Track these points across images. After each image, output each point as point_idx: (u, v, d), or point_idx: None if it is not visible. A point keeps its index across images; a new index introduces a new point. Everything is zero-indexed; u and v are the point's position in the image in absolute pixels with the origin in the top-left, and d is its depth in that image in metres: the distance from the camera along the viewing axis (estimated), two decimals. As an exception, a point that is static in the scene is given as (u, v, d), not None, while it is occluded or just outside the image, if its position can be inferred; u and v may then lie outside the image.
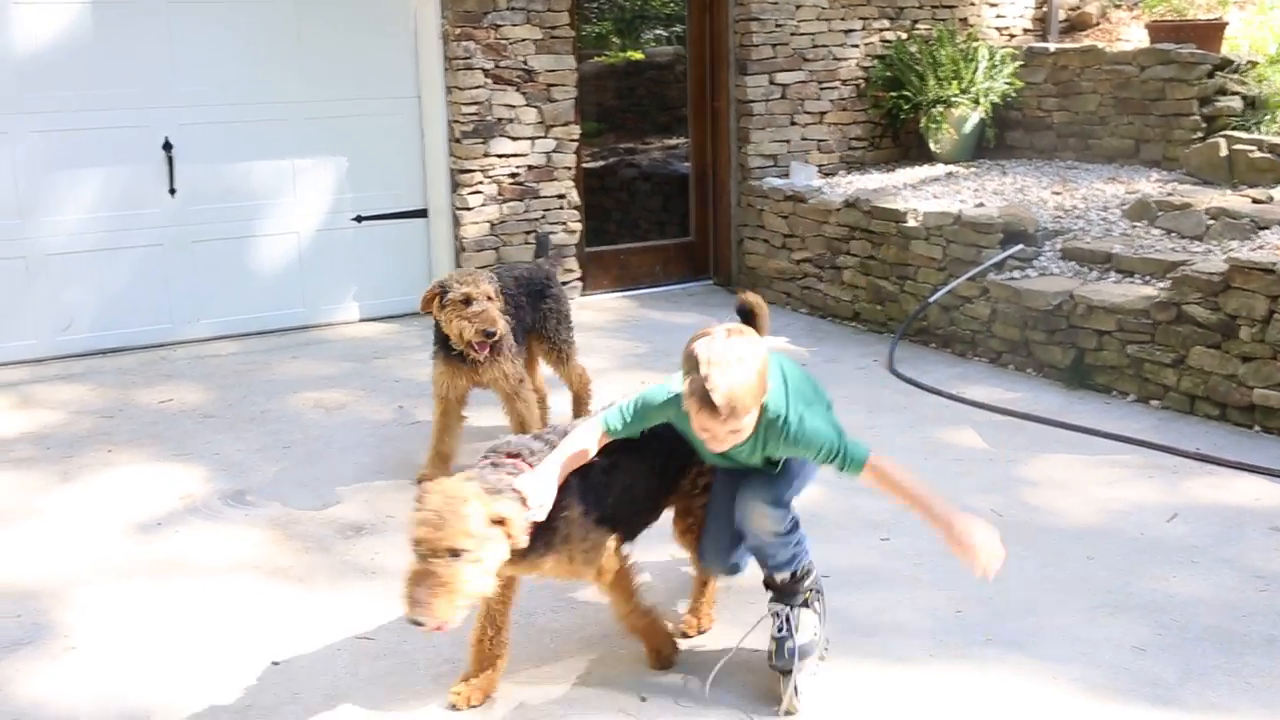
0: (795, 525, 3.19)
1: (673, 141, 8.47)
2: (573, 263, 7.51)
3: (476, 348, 4.39)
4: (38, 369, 6.34)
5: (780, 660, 3.11)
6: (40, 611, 3.71)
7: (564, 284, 7.35)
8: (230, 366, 6.39)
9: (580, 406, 5.15)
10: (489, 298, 4.35)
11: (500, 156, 7.18)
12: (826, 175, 7.96)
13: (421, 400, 5.48)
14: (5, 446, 5.21)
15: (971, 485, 4.54)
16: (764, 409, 2.96)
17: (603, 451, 3.17)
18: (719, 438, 2.89)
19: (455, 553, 2.72)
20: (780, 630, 3.15)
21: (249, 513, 4.46)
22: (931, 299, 6.37)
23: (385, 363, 6.43)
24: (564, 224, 7.41)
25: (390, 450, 5.09)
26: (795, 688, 3.08)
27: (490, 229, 7.21)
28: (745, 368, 2.83)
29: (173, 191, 6.65)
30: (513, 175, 7.22)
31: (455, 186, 7.12)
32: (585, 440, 3.14)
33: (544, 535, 3.03)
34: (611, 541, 3.18)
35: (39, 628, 3.61)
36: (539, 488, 2.98)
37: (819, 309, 7.29)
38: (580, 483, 3.15)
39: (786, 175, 7.87)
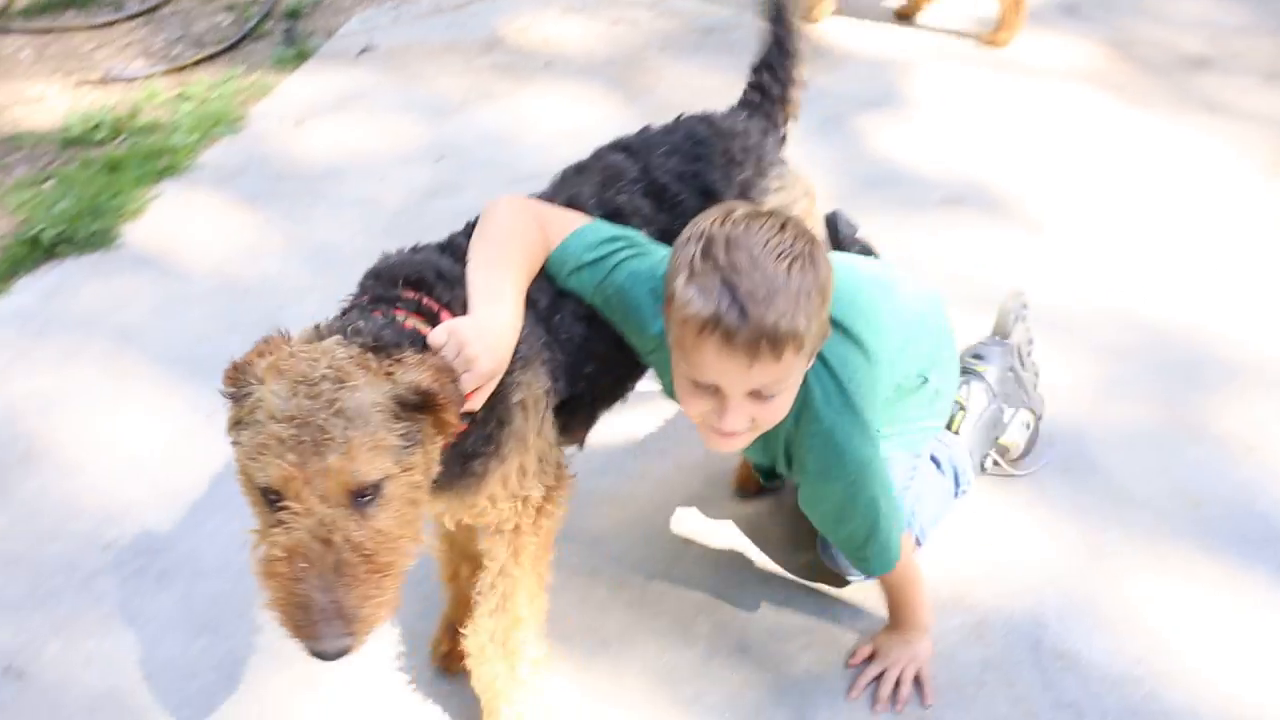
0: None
1: None
2: None
3: None
4: None
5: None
6: (889, 83, 4.13)
7: None
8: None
9: None
10: None
11: None
12: None
13: None
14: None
15: None
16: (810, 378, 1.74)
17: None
18: (731, 415, 1.61)
19: (365, 492, 1.40)
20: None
21: (1083, 26, 4.45)
22: None
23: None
24: None
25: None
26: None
27: None
28: (801, 276, 1.54)
29: None
30: None
31: None
32: (539, 239, 1.76)
33: (480, 436, 1.65)
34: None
35: (889, 95, 4.05)
36: (489, 329, 1.58)
37: None
38: (542, 331, 1.75)
39: None
